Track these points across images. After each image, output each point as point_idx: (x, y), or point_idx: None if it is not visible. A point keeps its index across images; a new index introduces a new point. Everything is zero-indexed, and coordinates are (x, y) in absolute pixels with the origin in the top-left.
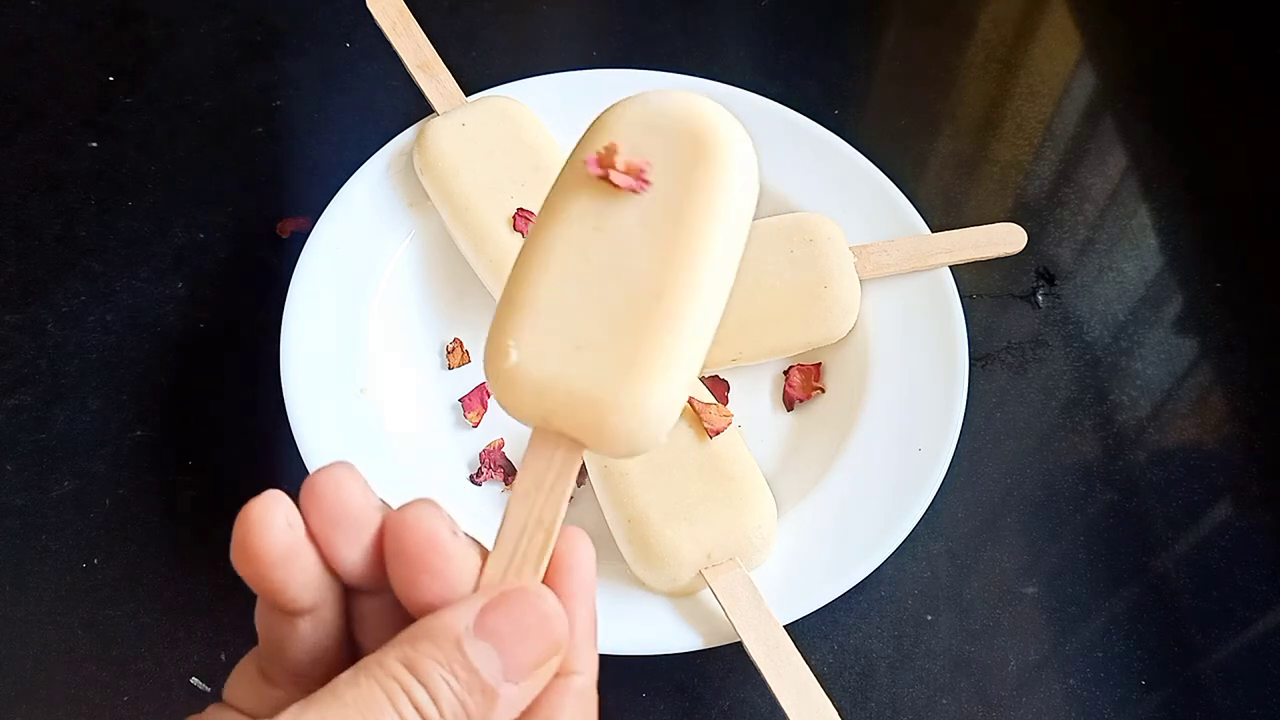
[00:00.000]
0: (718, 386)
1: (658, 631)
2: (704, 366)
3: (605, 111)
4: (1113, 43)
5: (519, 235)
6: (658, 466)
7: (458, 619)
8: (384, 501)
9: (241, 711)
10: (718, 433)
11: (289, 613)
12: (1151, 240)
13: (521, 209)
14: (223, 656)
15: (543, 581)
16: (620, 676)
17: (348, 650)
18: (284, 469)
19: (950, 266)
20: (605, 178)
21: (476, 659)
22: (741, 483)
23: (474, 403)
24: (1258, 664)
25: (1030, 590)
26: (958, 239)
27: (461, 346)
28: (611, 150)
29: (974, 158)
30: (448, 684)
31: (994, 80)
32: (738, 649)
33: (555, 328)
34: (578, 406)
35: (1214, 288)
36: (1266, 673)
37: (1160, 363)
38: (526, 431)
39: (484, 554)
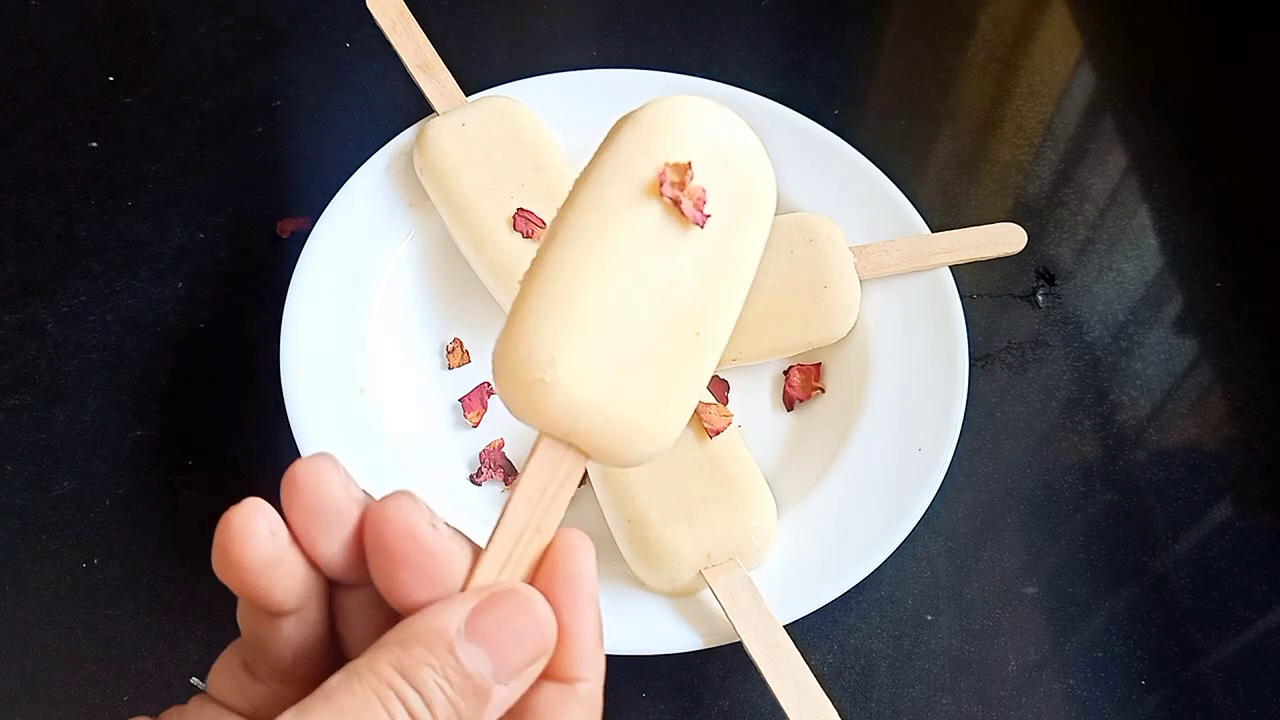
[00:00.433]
0: (718, 386)
1: (658, 631)
2: None
3: (671, 109)
4: (1113, 43)
5: (519, 235)
6: (658, 466)
7: (449, 621)
8: (366, 494)
9: (224, 705)
10: (718, 433)
11: (273, 614)
12: (1151, 240)
13: (521, 209)
14: None
15: (548, 587)
16: (620, 676)
17: (331, 645)
18: (284, 469)
19: (950, 266)
20: (676, 202)
21: (469, 661)
22: (741, 483)
23: (474, 403)
24: (1258, 664)
25: (1030, 590)
26: (958, 239)
27: (461, 346)
28: (686, 173)
29: (974, 158)
30: (441, 688)
31: (994, 80)
32: (738, 649)
33: (602, 348)
34: (610, 431)
35: (1214, 288)
36: (1266, 673)
37: (1160, 363)
38: (527, 431)
39: (471, 548)
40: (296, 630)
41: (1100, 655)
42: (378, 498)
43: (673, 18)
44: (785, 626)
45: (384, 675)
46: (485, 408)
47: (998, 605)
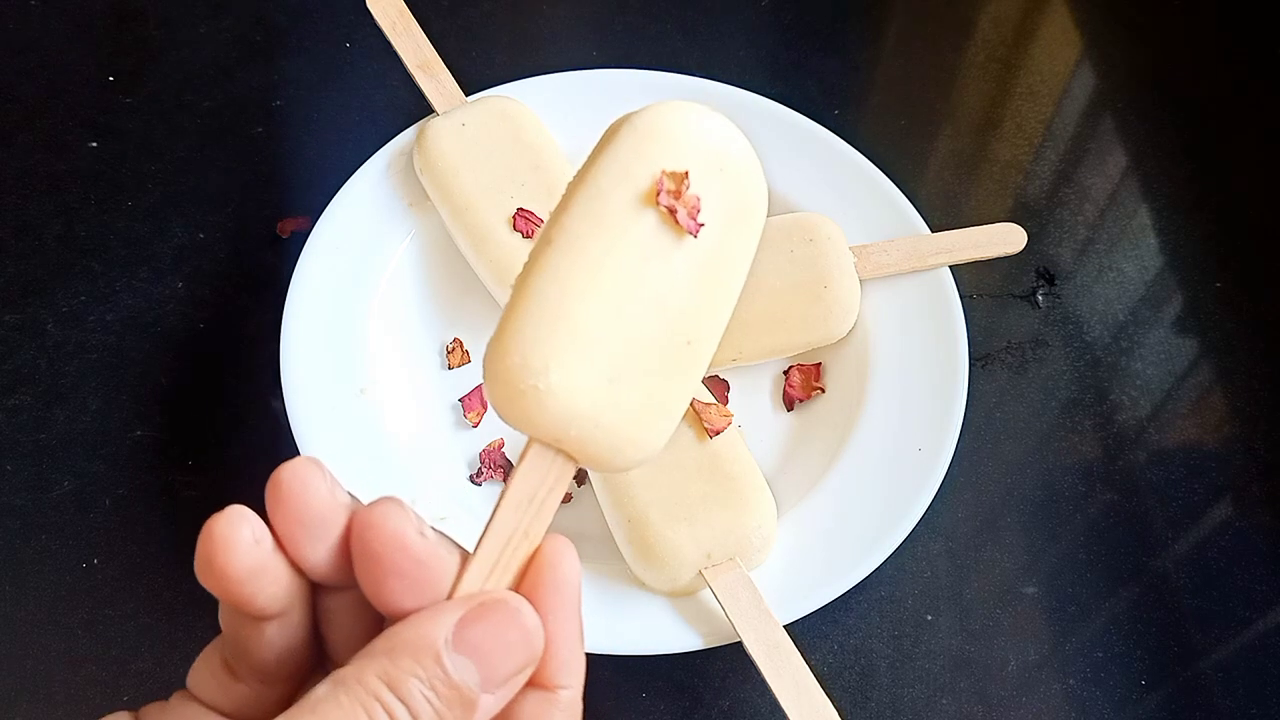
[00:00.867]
0: (718, 386)
1: (658, 631)
2: None
3: (666, 116)
4: (1113, 43)
5: (519, 235)
6: (658, 466)
7: (436, 631)
8: (353, 498)
9: (204, 703)
10: (718, 433)
11: (255, 619)
12: (1151, 240)
13: (521, 209)
14: None
15: (533, 594)
16: (620, 676)
17: (314, 647)
18: None
19: (950, 266)
20: (671, 211)
21: (456, 672)
22: (741, 483)
23: (474, 403)
24: (1258, 664)
25: (1030, 590)
26: (957, 239)
27: (461, 346)
28: (683, 182)
29: (974, 158)
30: (428, 699)
31: (994, 80)
32: (738, 649)
33: (594, 358)
34: (601, 439)
35: (1214, 288)
36: (1266, 673)
37: (1160, 363)
38: None
39: (459, 553)
40: (279, 633)
41: (1100, 655)
42: (365, 502)
43: (673, 18)
44: (785, 626)
45: (370, 687)
46: (485, 408)
47: (998, 605)
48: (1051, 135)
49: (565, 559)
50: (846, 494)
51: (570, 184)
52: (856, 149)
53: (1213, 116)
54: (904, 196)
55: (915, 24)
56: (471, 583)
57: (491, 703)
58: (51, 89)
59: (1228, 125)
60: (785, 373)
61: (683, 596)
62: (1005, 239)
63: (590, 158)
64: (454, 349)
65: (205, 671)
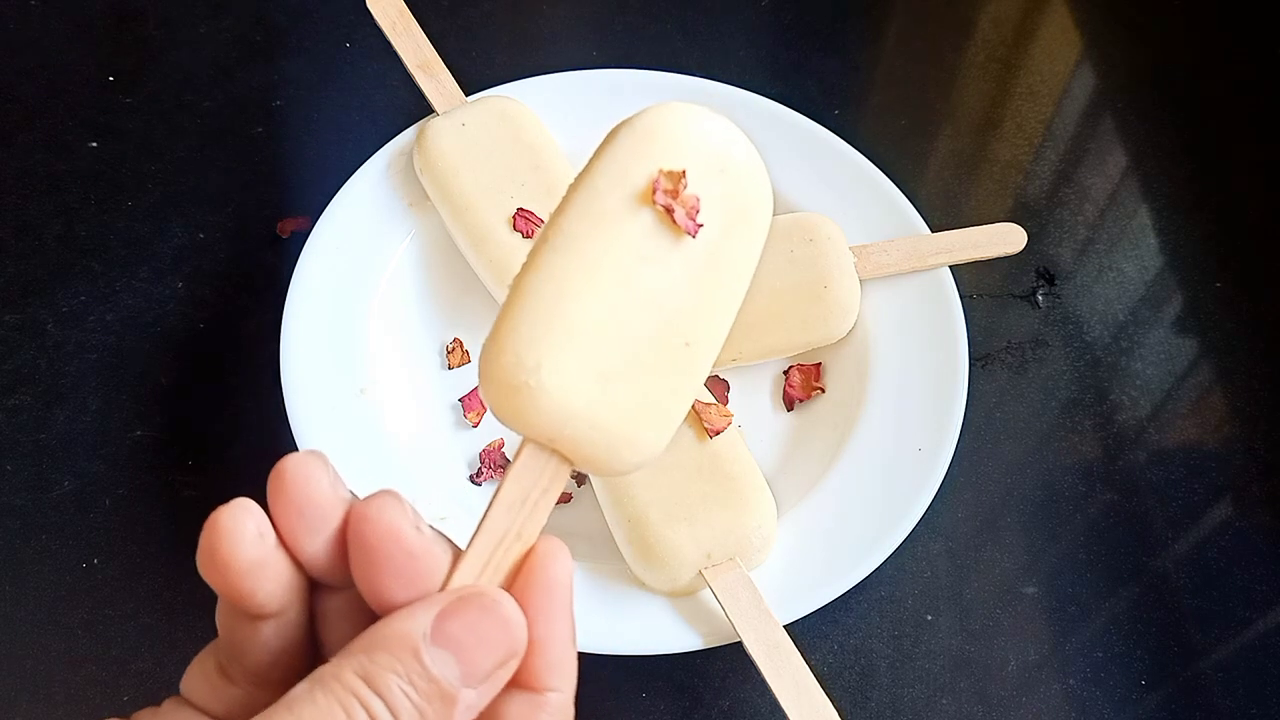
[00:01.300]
0: (718, 386)
1: (658, 631)
2: None
3: (665, 116)
4: (1113, 43)
5: (519, 235)
6: (658, 467)
7: (415, 626)
8: (353, 494)
9: (197, 708)
10: (718, 433)
11: (253, 617)
12: (1151, 240)
13: (521, 209)
14: None
15: (523, 594)
16: (620, 676)
17: (310, 649)
18: None
19: (950, 266)
20: (668, 210)
21: (435, 667)
22: (741, 483)
23: (474, 403)
24: (1258, 664)
25: (1030, 590)
26: (957, 239)
27: (461, 346)
28: (680, 181)
29: (974, 158)
30: (406, 694)
31: (994, 80)
32: (738, 649)
33: (588, 355)
34: (596, 439)
35: (1214, 288)
36: (1266, 673)
37: (1160, 363)
38: None
39: (452, 550)
40: (276, 634)
41: (1100, 655)
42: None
43: (673, 18)
44: (785, 626)
45: (348, 683)
46: (485, 408)
47: (998, 605)
48: (1051, 135)
49: (557, 560)
50: (846, 494)
51: (570, 185)
52: (856, 149)
53: (1213, 116)
54: (904, 196)
55: (915, 24)
56: (461, 581)
57: (474, 697)
58: (51, 89)
59: (1228, 125)
60: (785, 373)
61: (683, 596)
62: (1005, 239)
63: (590, 160)
64: (454, 349)
65: (199, 675)
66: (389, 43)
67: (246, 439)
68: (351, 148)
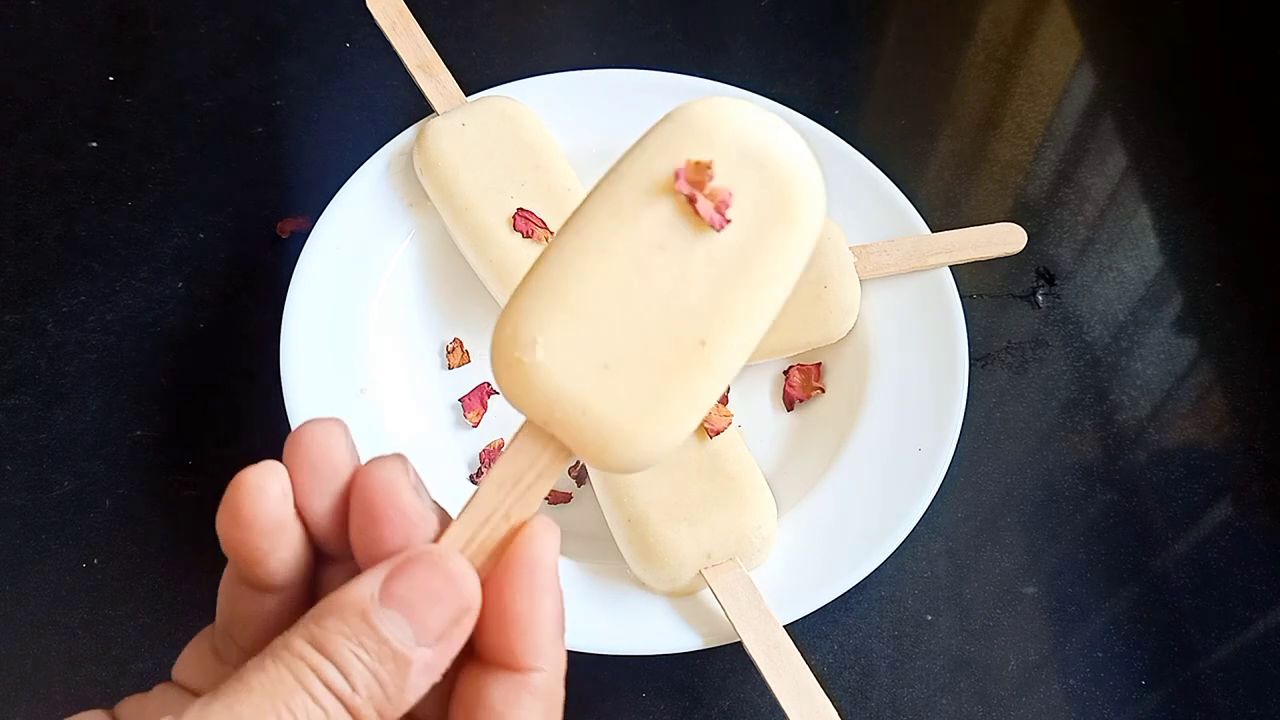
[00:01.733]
0: None
1: (658, 631)
2: None
3: (703, 108)
4: (1113, 43)
5: (519, 235)
6: (658, 467)
7: (363, 590)
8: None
9: (189, 690)
10: (718, 433)
11: (259, 588)
12: (1151, 240)
13: (521, 209)
14: None
15: (503, 571)
16: (620, 676)
17: None
18: None
19: (950, 266)
20: (691, 200)
21: (384, 628)
22: (741, 483)
23: (474, 403)
24: (1258, 664)
25: (1030, 590)
26: (957, 239)
27: (461, 346)
28: (705, 172)
29: (974, 158)
30: (358, 657)
31: (994, 80)
32: (738, 649)
33: (588, 338)
34: (587, 426)
35: (1214, 288)
36: (1266, 673)
37: (1160, 363)
38: None
39: (444, 519)
40: (277, 611)
41: (1100, 655)
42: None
43: (673, 18)
44: (785, 626)
45: (297, 649)
46: (485, 408)
47: (998, 605)
48: (1051, 135)
49: (539, 539)
50: (846, 494)
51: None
52: (856, 149)
53: (1213, 117)
54: (904, 196)
55: (915, 24)
56: None
57: (431, 657)
58: (51, 89)
59: (1228, 126)
60: (785, 373)
61: (683, 596)
62: (1005, 239)
63: (628, 149)
64: (454, 349)
65: (193, 658)
66: (389, 43)
67: (246, 439)
68: (351, 148)
